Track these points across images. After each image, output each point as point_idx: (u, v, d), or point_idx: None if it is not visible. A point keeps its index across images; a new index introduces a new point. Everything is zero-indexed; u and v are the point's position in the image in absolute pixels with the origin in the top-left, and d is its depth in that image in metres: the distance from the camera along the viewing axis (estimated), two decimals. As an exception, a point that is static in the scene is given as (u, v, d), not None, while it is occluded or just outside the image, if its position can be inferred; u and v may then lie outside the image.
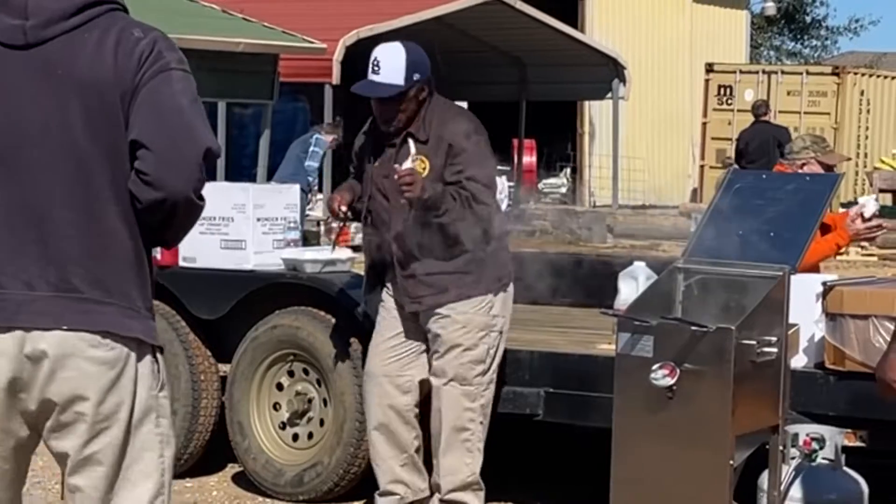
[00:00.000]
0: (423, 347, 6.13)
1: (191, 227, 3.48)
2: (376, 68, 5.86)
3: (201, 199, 3.39)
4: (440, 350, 6.00)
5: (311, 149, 16.16)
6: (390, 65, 5.85)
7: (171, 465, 3.48)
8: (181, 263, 7.06)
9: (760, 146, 16.97)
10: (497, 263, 6.03)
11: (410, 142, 5.89)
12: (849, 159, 23.93)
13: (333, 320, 6.57)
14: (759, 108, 19.02)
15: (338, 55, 19.37)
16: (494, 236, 5.94)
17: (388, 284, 6.14)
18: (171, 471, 3.49)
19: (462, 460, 6.05)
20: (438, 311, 5.98)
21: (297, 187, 7.60)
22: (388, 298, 6.16)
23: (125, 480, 3.38)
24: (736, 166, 18.86)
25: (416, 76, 5.84)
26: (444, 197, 5.78)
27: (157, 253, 7.08)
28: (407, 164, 5.80)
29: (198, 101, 3.41)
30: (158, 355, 3.45)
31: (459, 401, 6.00)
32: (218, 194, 7.07)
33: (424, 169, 5.86)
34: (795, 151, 7.29)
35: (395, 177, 5.75)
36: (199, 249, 6.97)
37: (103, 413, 3.34)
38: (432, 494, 6.17)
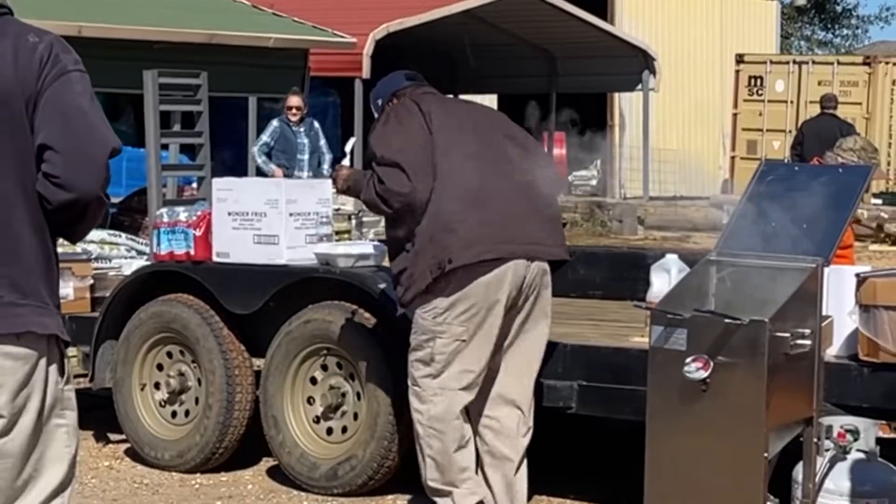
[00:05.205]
0: None
1: (97, 223, 3.56)
2: None
3: (108, 196, 3.47)
4: None
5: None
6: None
7: (76, 456, 3.56)
8: (214, 259, 7.09)
9: (822, 140, 16.55)
10: (436, 249, 5.76)
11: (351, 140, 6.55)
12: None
13: (366, 314, 6.59)
14: (829, 102, 18.35)
15: (368, 49, 19.37)
16: (427, 221, 5.78)
17: None
18: (76, 462, 3.56)
19: (420, 462, 6.02)
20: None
21: (328, 182, 7.62)
22: None
23: (33, 470, 3.47)
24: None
25: (379, 101, 6.25)
26: (359, 184, 6.01)
27: (192, 249, 7.14)
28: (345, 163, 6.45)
29: (95, 100, 3.47)
30: (65, 350, 3.55)
31: (410, 400, 6.00)
32: (251, 189, 7.12)
33: None
34: (843, 149, 7.30)
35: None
36: (232, 244, 7.00)
37: (17, 406, 3.43)
38: None
